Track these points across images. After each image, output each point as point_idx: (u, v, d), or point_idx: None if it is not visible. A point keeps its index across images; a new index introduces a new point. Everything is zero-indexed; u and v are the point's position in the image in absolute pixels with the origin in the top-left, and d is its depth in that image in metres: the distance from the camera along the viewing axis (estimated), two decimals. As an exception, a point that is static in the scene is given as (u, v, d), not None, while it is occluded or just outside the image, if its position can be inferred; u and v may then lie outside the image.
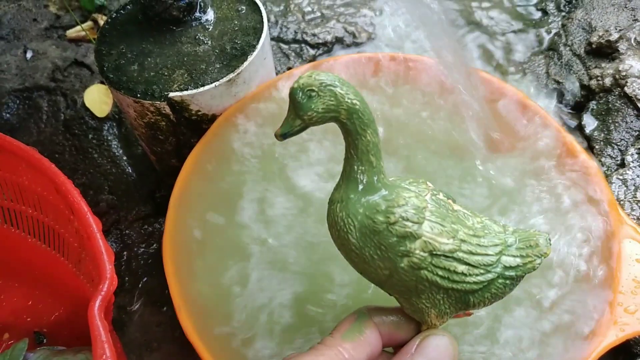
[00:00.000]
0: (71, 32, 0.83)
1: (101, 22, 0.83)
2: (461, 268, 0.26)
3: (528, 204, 0.44)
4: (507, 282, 0.27)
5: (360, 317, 0.28)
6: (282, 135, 0.28)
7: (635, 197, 0.58)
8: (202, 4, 0.52)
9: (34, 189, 0.46)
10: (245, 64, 0.48)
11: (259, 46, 0.49)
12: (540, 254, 0.28)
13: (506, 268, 0.27)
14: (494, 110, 0.48)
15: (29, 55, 0.80)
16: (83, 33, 0.81)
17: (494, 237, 0.27)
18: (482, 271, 0.26)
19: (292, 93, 0.27)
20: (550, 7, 0.85)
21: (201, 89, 0.47)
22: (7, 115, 0.72)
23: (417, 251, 0.26)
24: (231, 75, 0.48)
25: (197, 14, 0.51)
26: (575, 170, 0.45)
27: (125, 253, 0.59)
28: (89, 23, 0.84)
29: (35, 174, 0.44)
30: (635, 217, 0.56)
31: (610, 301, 0.38)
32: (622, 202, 0.58)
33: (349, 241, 0.27)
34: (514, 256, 0.27)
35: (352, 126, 0.26)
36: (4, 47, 0.81)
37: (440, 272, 0.26)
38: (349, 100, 0.26)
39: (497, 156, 0.47)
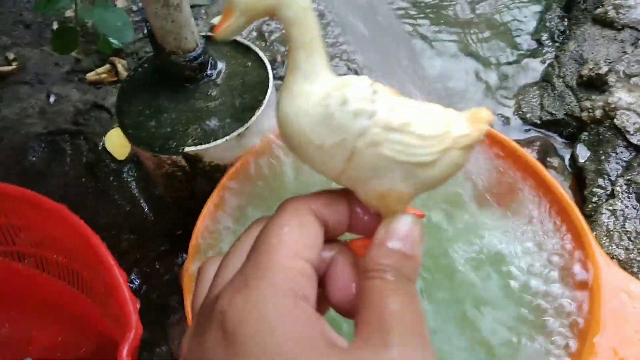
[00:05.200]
0: (90, 76, 0.88)
1: (118, 65, 0.88)
2: (415, 141, 0.27)
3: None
4: (459, 152, 0.28)
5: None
6: (222, 35, 0.28)
7: (624, 228, 0.61)
8: (212, 62, 0.56)
9: (64, 240, 0.51)
10: (253, 118, 0.53)
11: (265, 101, 0.54)
12: (485, 120, 0.29)
13: (457, 138, 0.28)
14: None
15: (52, 99, 0.85)
16: (102, 76, 0.87)
17: (441, 113, 0.28)
18: (435, 142, 0.27)
19: None
20: (544, 37, 0.89)
21: (213, 143, 0.51)
22: (33, 158, 0.77)
23: (372, 128, 0.26)
24: (241, 130, 0.52)
25: (209, 71, 0.56)
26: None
27: (144, 288, 0.64)
28: (106, 66, 0.89)
29: (65, 227, 0.49)
30: (624, 247, 0.59)
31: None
32: (611, 233, 0.61)
33: (303, 133, 0.26)
34: (462, 126, 0.28)
35: (291, 13, 0.26)
36: (29, 92, 0.86)
37: (396, 147, 0.26)
38: None
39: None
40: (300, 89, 0.27)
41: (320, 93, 0.27)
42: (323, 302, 0.27)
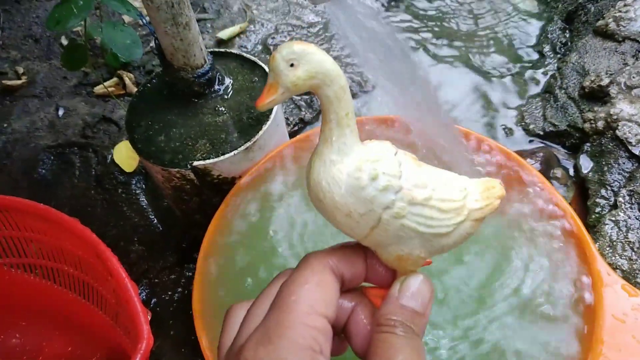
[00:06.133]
0: (98, 89, 0.90)
1: (126, 79, 0.90)
2: (435, 214, 0.29)
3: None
4: (473, 223, 0.31)
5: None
6: (266, 107, 0.30)
7: (627, 238, 0.61)
8: (220, 77, 0.57)
9: (75, 252, 0.51)
10: (261, 132, 0.54)
11: (272, 116, 0.55)
12: (498, 195, 0.32)
13: (472, 211, 0.30)
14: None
15: (60, 112, 0.86)
16: (110, 89, 0.88)
17: (457, 185, 0.31)
18: (452, 215, 0.30)
19: (275, 63, 0.28)
20: (546, 49, 0.90)
21: (222, 157, 0.53)
22: (43, 171, 0.78)
23: (398, 202, 0.28)
24: (248, 144, 0.53)
25: (216, 87, 0.57)
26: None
27: (153, 300, 0.65)
28: (114, 79, 0.90)
29: (76, 240, 0.50)
30: (627, 258, 0.60)
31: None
32: (614, 243, 0.61)
33: (334, 201, 0.29)
34: (476, 200, 0.31)
35: (331, 92, 0.29)
36: (38, 105, 0.88)
37: (418, 219, 0.29)
38: (328, 67, 0.28)
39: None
40: (333, 160, 0.29)
41: (352, 165, 0.29)
42: (342, 344, 0.30)
